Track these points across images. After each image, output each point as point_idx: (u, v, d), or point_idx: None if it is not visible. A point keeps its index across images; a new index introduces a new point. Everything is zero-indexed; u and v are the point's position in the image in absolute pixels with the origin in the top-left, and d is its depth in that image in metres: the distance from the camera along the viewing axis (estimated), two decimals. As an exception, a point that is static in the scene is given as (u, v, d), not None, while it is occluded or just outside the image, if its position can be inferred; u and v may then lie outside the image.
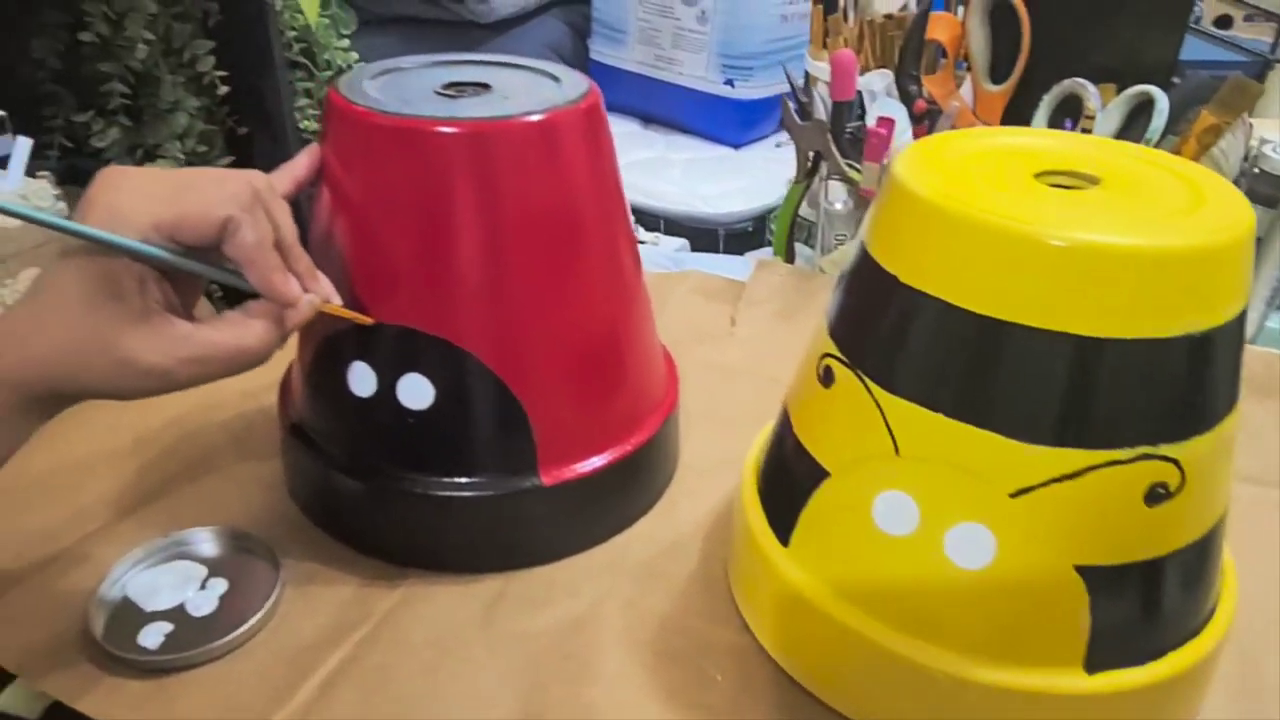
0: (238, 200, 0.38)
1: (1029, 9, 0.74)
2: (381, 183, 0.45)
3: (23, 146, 0.63)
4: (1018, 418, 0.35)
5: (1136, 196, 0.37)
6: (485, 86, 0.49)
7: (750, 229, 1.32)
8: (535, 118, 0.45)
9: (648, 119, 1.57)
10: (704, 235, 1.30)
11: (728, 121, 1.47)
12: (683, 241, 1.14)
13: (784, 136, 0.78)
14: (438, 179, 0.44)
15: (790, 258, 0.83)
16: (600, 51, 1.56)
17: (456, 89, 0.48)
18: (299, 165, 0.46)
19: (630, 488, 0.53)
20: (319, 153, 0.46)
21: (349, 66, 1.00)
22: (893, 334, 0.38)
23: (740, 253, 1.25)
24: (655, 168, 1.42)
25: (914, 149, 0.40)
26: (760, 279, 0.77)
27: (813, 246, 0.82)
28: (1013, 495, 0.36)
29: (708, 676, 0.44)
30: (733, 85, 1.44)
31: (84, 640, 0.45)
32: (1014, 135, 0.44)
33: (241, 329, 0.39)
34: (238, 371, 0.40)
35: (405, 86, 0.48)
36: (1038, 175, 0.39)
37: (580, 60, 1.60)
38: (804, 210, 0.81)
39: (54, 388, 0.38)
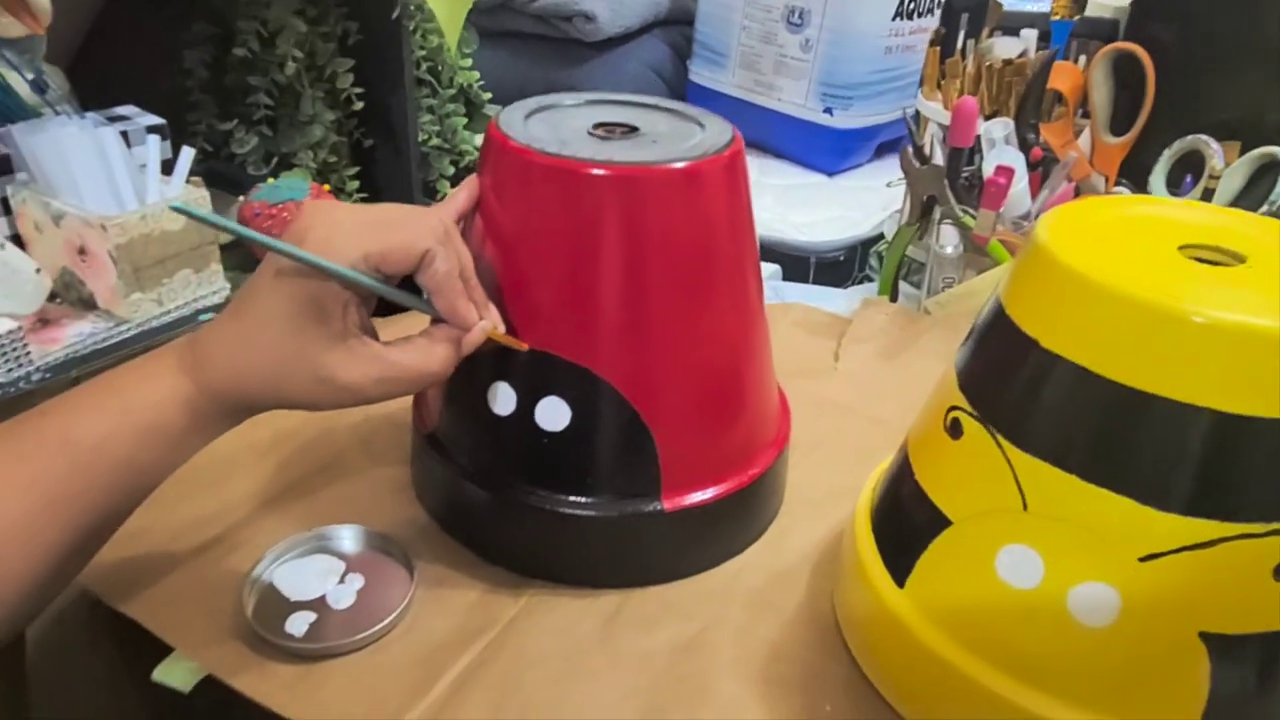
0: (434, 235, 0.41)
1: (1154, 61, 0.74)
2: (535, 216, 0.48)
3: (186, 156, 0.68)
4: (1152, 485, 0.36)
5: (1282, 277, 0.38)
6: (634, 129, 0.51)
7: (842, 258, 1.32)
8: (681, 164, 0.47)
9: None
10: (795, 263, 1.31)
11: (824, 149, 1.48)
12: (775, 268, 1.16)
13: (895, 176, 0.79)
14: (587, 217, 0.47)
15: (894, 297, 0.84)
16: (699, 74, 1.59)
17: (606, 129, 0.51)
18: (460, 198, 0.49)
19: (744, 517, 0.55)
20: (477, 185, 0.50)
21: (470, 85, 1.04)
22: (1028, 394, 0.39)
23: (834, 283, 1.26)
24: (749, 192, 1.43)
25: (1058, 214, 0.42)
26: (865, 317, 0.79)
27: (917, 285, 0.83)
28: (1141, 560, 0.37)
29: (818, 707, 0.46)
30: (831, 114, 1.45)
31: (236, 623, 0.49)
32: (1158, 205, 0.45)
33: (426, 353, 0.43)
34: (418, 390, 0.43)
35: (559, 125, 0.51)
36: (1182, 248, 0.40)
37: (679, 81, 1.62)
38: (911, 250, 0.82)
39: (254, 399, 0.42)
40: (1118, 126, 0.77)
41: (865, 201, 1.39)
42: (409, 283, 0.44)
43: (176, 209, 0.41)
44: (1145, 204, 0.45)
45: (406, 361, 0.43)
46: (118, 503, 0.42)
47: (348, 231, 0.41)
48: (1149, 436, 0.36)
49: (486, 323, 0.45)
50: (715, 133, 0.51)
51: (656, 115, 0.54)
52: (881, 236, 1.21)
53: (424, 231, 0.42)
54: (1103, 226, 0.41)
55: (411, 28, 0.91)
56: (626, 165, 0.46)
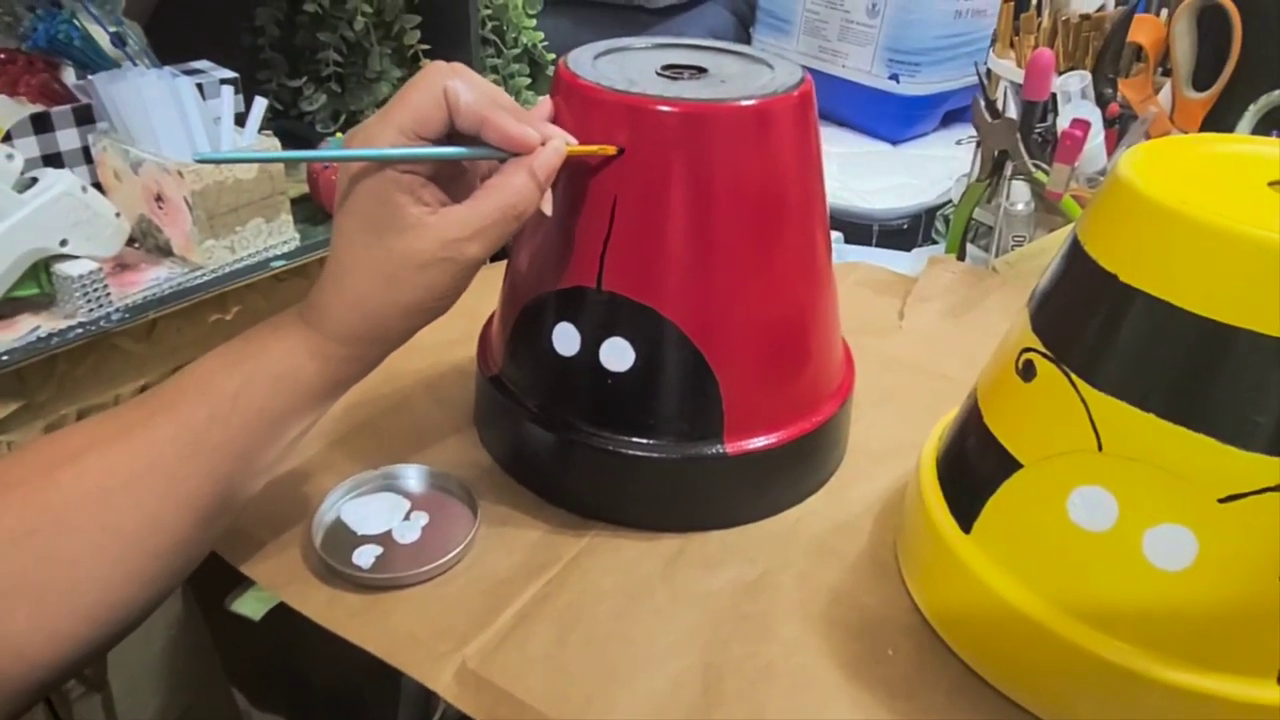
0: (443, 73, 0.41)
1: (1241, 13, 0.71)
2: (603, 155, 0.48)
3: (259, 106, 0.69)
4: (1235, 423, 0.35)
5: (1381, 210, 0.36)
6: (702, 70, 0.51)
7: (905, 227, 1.30)
8: (749, 103, 0.47)
9: (805, 111, 1.57)
10: (857, 231, 1.29)
11: (889, 117, 1.45)
12: (837, 234, 1.15)
13: (963, 134, 0.77)
14: (655, 155, 0.47)
15: (961, 258, 0.82)
16: (763, 41, 1.57)
17: (674, 71, 0.51)
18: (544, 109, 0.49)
19: (806, 465, 0.55)
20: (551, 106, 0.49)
21: (534, 45, 1.04)
22: (1106, 332, 0.38)
23: (896, 250, 1.24)
24: (811, 160, 1.41)
25: (1141, 151, 0.40)
26: (932, 275, 0.78)
27: (984, 248, 0.82)
28: (1221, 501, 0.36)
29: (881, 650, 0.45)
30: (897, 81, 1.42)
31: (306, 554, 0.50)
32: (1246, 143, 0.43)
33: (501, 189, 0.42)
34: (514, 229, 0.43)
35: (628, 65, 0.51)
36: (1272, 184, 0.38)
37: (742, 49, 1.61)
38: (979, 212, 0.80)
39: (378, 322, 0.42)
40: (1200, 81, 0.75)
41: (930, 170, 1.37)
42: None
43: (201, 159, 0.41)
44: (1232, 142, 0.43)
45: (485, 206, 0.42)
46: (255, 452, 0.42)
47: (377, 119, 0.41)
48: (1234, 372, 0.35)
49: (557, 141, 0.44)
50: (785, 73, 0.50)
51: (725, 58, 0.53)
52: (948, 203, 1.19)
53: (432, 75, 0.41)
54: (1188, 162, 0.40)
55: (478, -15, 0.92)
56: (695, 102, 0.46)
